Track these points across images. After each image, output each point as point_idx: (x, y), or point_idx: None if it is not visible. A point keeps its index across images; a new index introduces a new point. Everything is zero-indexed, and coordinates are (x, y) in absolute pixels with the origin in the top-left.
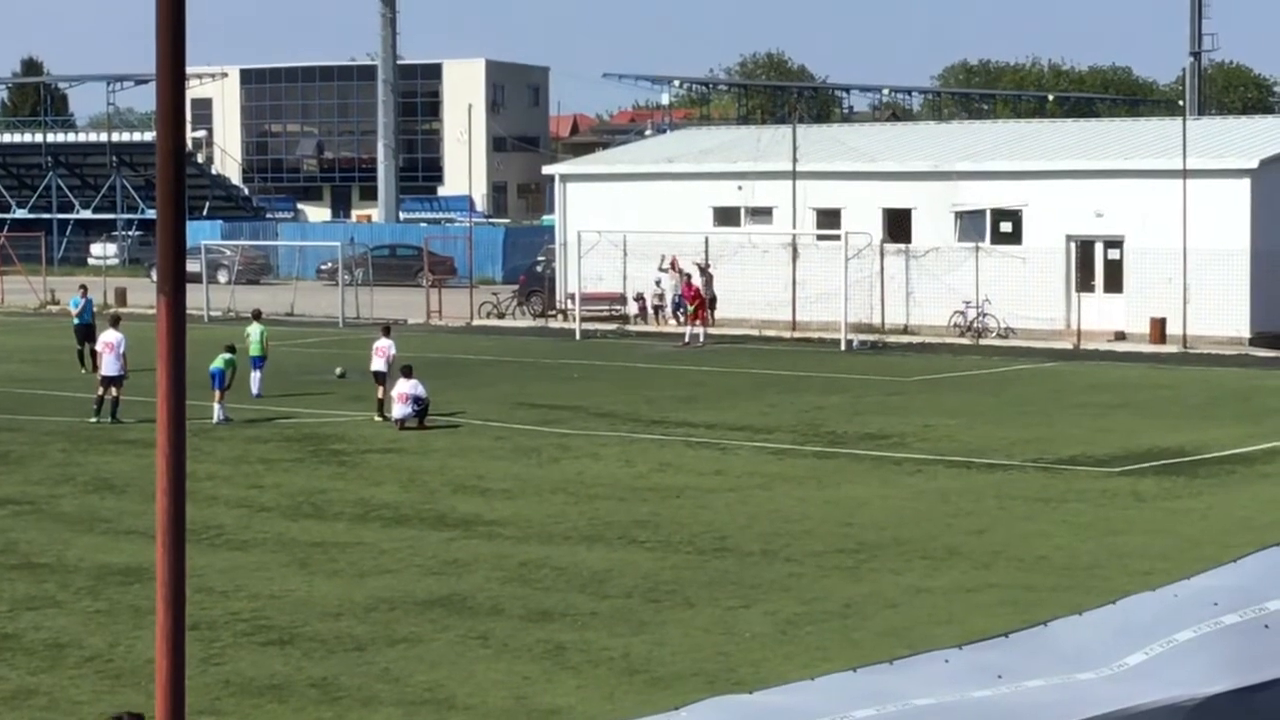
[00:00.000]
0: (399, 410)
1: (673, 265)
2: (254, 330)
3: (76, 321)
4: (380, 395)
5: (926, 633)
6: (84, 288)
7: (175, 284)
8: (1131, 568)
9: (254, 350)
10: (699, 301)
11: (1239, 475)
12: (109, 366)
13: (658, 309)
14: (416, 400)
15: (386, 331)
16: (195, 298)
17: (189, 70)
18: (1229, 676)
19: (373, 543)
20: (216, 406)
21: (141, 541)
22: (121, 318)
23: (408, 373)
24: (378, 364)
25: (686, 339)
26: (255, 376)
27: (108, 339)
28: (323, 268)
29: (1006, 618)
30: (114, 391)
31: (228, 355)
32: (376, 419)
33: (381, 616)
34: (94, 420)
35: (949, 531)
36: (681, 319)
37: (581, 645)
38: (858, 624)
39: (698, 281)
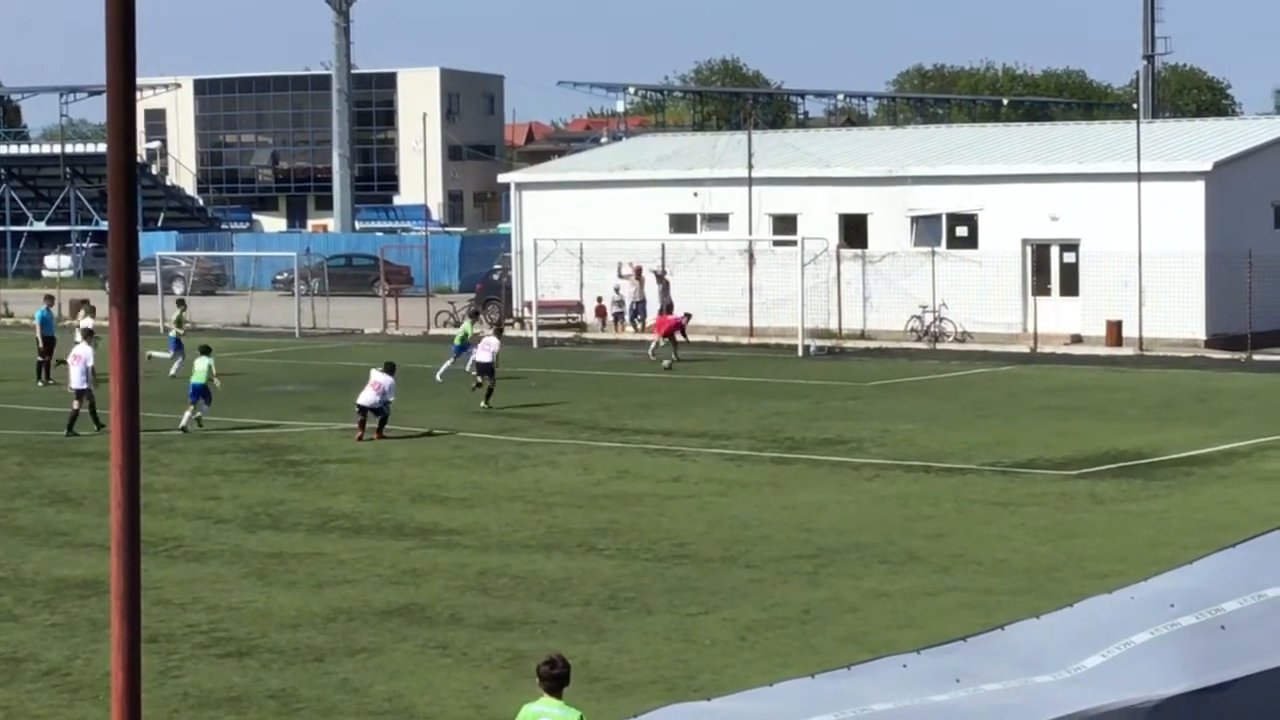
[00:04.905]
0: (367, 396)
1: (636, 274)
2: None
3: (48, 332)
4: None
5: (886, 637)
6: (49, 298)
7: (128, 296)
8: (1089, 570)
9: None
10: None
11: (1196, 477)
12: (76, 380)
13: (617, 316)
14: (384, 401)
15: (390, 370)
16: (151, 309)
17: (142, 81)
18: (1186, 678)
19: (331, 553)
20: (190, 414)
21: (99, 554)
22: (94, 332)
23: (390, 369)
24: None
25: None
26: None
27: (76, 352)
28: (279, 278)
29: (966, 621)
30: (76, 405)
31: (206, 360)
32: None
33: (340, 627)
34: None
35: (908, 536)
36: (640, 326)
37: (541, 654)
38: (817, 629)
39: (655, 288)
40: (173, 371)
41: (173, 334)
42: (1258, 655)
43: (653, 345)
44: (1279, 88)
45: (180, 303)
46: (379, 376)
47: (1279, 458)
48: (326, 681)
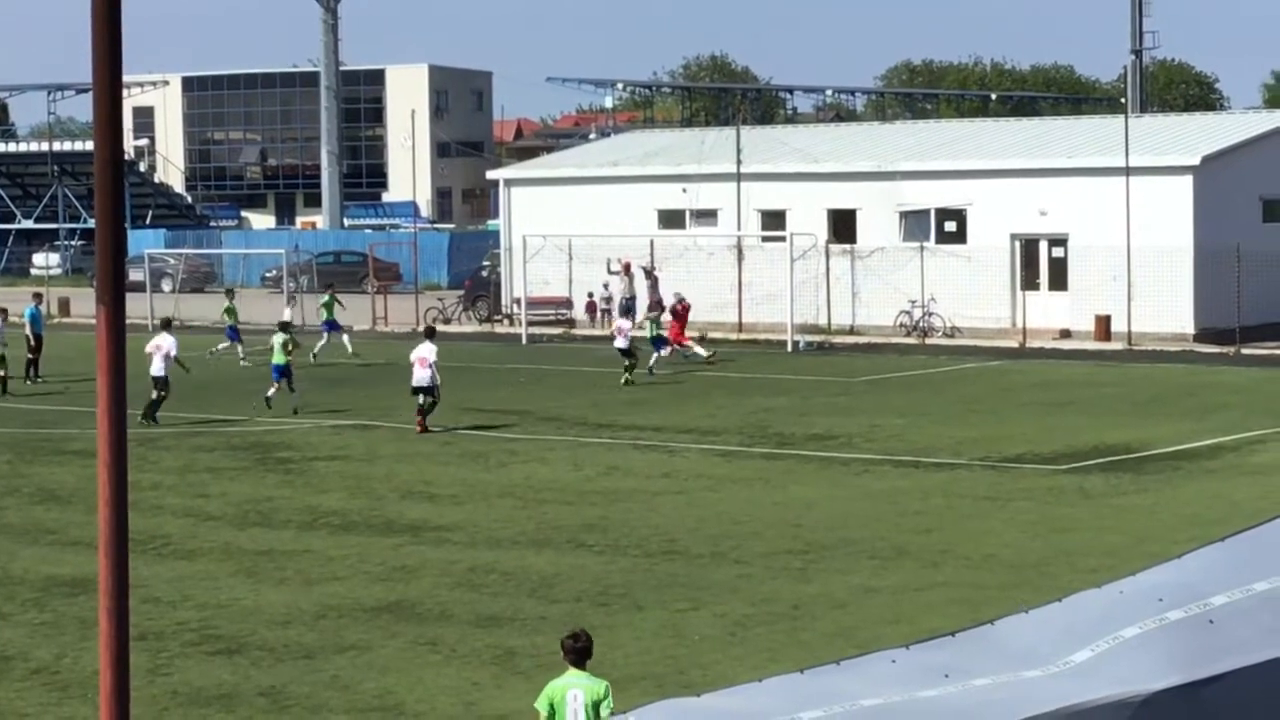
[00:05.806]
0: (419, 376)
1: (625, 269)
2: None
3: (37, 330)
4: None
5: (875, 632)
6: (38, 296)
7: (115, 294)
8: (1078, 565)
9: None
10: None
11: (1184, 471)
12: (156, 368)
13: (606, 313)
14: (434, 376)
15: (430, 335)
16: (139, 307)
17: (129, 78)
18: (1175, 672)
19: (320, 550)
20: (273, 391)
21: (87, 552)
22: (171, 321)
23: (430, 334)
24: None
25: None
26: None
27: (158, 341)
28: (267, 275)
29: (955, 616)
30: (155, 394)
31: (282, 336)
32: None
33: (330, 624)
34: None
35: (897, 531)
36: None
37: (531, 650)
38: (806, 625)
39: (644, 284)
40: (351, 350)
41: (324, 318)
42: (1246, 649)
43: (691, 355)
44: (1267, 82)
45: (329, 285)
46: (422, 351)
47: (1267, 451)
48: (316, 679)
